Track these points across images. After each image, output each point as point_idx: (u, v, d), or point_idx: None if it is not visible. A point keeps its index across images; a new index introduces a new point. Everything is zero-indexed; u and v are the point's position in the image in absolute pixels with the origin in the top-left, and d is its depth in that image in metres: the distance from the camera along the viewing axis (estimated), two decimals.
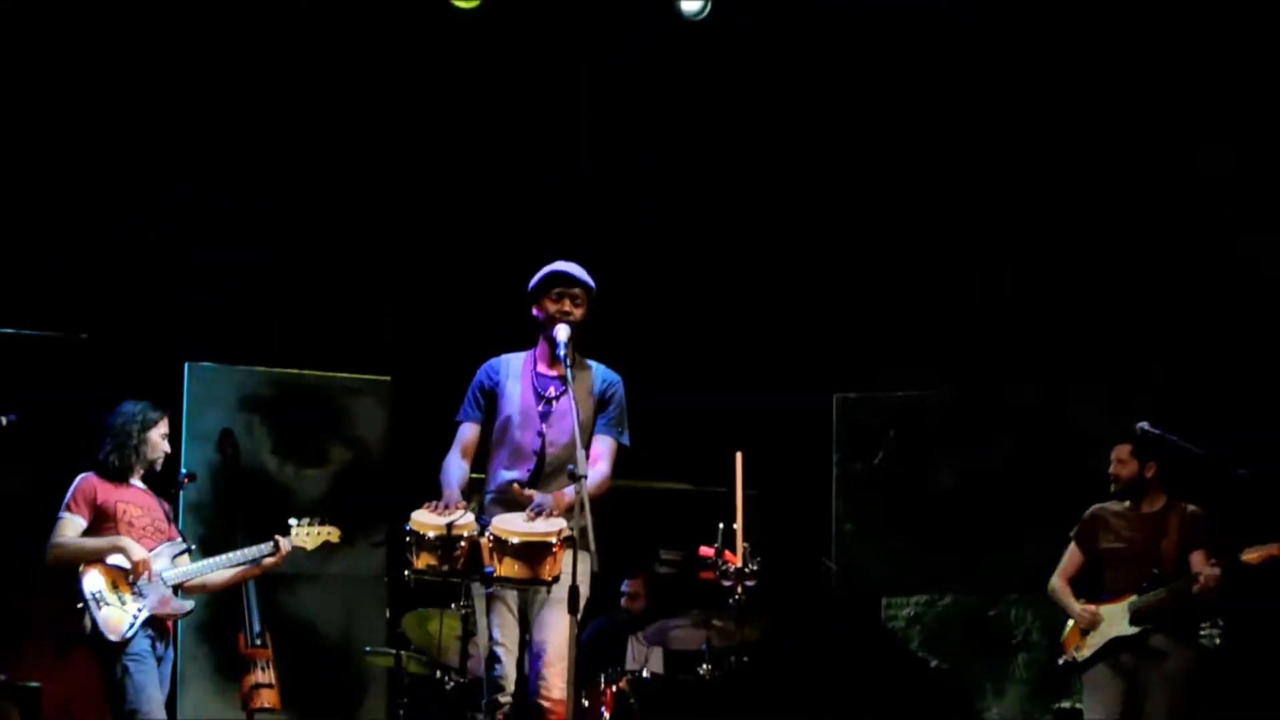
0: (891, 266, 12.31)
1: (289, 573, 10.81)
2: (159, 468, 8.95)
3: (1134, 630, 8.97)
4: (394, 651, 10.35)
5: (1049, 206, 12.16)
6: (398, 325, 11.92)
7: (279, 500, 11.23)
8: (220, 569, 8.90)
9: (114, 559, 8.47)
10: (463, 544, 7.48)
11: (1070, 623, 9.34)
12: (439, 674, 9.97)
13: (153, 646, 8.52)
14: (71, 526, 8.57)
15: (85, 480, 8.66)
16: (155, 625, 8.52)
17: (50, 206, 11.61)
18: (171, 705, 10.34)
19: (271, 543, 8.89)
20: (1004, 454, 11.83)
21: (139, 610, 8.45)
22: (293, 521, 8.95)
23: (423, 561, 7.53)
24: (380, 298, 11.98)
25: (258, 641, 10.05)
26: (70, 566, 8.52)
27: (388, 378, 11.76)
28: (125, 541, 8.51)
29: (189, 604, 8.79)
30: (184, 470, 10.02)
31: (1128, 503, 9.27)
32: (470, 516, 7.58)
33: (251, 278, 11.97)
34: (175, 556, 8.71)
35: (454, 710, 9.62)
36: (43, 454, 10.63)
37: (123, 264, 11.73)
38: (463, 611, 8.49)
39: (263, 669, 10.03)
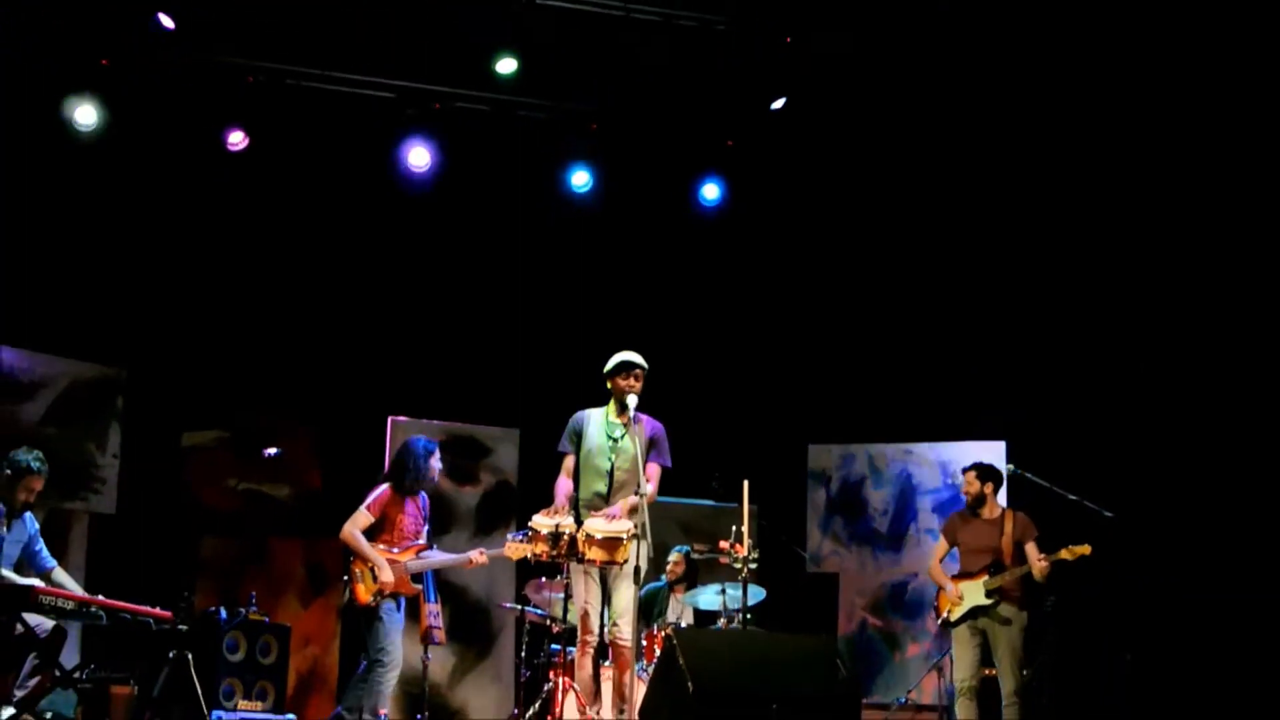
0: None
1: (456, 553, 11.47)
2: (433, 484, 9.29)
3: (988, 601, 9.19)
4: (520, 606, 10.54)
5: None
6: (527, 392, 11.72)
7: (449, 506, 11.50)
8: (445, 562, 9.35)
9: (375, 572, 8.86)
10: (565, 537, 8.15)
11: (941, 595, 9.50)
12: (548, 622, 10.12)
13: (396, 607, 8.95)
14: (364, 519, 8.90)
15: (384, 491, 8.99)
16: (394, 596, 8.93)
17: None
18: None
19: (478, 550, 9.32)
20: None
21: (383, 590, 8.86)
22: (509, 536, 8.92)
23: (539, 548, 8.21)
24: (516, 377, 11.83)
25: (432, 598, 9.75)
26: (348, 547, 8.91)
27: (518, 429, 11.86)
28: (384, 565, 8.85)
29: (419, 586, 9.06)
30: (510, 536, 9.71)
31: (976, 510, 9.47)
32: (571, 519, 8.23)
33: (429, 358, 11.93)
34: (418, 551, 9.11)
35: (558, 645, 9.47)
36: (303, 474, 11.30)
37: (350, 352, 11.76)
38: (565, 581, 8.67)
39: (434, 615, 9.81)
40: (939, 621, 9.57)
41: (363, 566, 8.94)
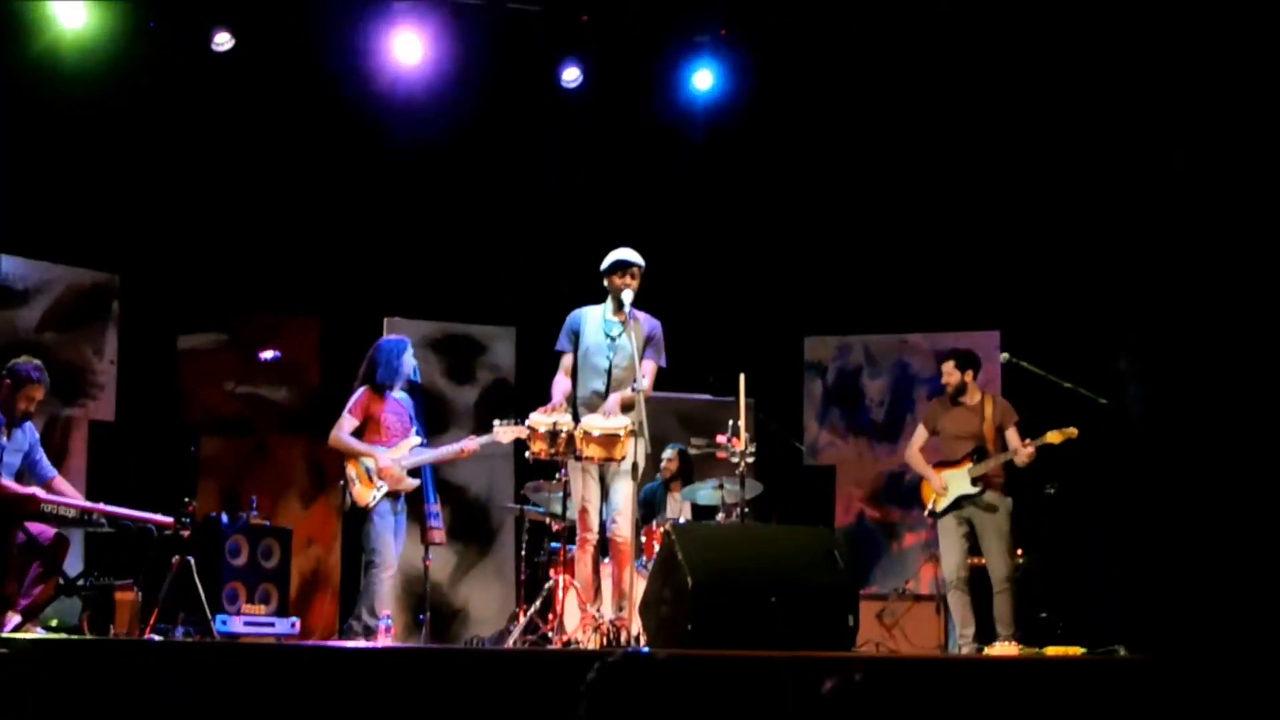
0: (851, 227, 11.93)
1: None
2: (407, 382, 9.21)
3: (975, 489, 9.15)
4: (519, 505, 10.66)
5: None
6: (522, 290, 11.79)
7: (447, 405, 11.63)
8: (438, 455, 9.27)
9: (365, 461, 8.87)
10: (563, 434, 8.25)
11: (923, 483, 9.50)
12: (547, 520, 10.18)
13: (392, 509, 8.94)
14: (349, 424, 8.93)
15: (361, 394, 9.02)
16: (390, 496, 8.92)
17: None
18: None
19: (469, 438, 9.25)
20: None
21: (381, 486, 8.87)
22: (496, 422, 9.00)
23: (537, 446, 8.34)
24: (513, 275, 11.89)
25: (432, 499, 9.80)
26: (340, 452, 8.96)
27: (515, 327, 11.92)
28: (377, 452, 8.86)
29: (415, 481, 9.04)
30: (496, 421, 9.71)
31: (957, 399, 9.41)
32: (568, 416, 8.34)
33: (424, 258, 11.92)
34: (411, 448, 9.05)
35: (557, 543, 9.56)
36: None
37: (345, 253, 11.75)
38: (563, 479, 8.79)
39: (435, 516, 9.88)
40: (926, 513, 9.56)
41: (356, 467, 8.94)
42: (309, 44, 11.14)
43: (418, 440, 9.17)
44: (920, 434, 9.67)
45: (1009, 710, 6.46)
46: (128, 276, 11.14)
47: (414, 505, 10.70)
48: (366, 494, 8.91)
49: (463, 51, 11.28)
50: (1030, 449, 9.06)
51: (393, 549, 8.98)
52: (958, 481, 9.28)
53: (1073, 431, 8.99)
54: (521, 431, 8.89)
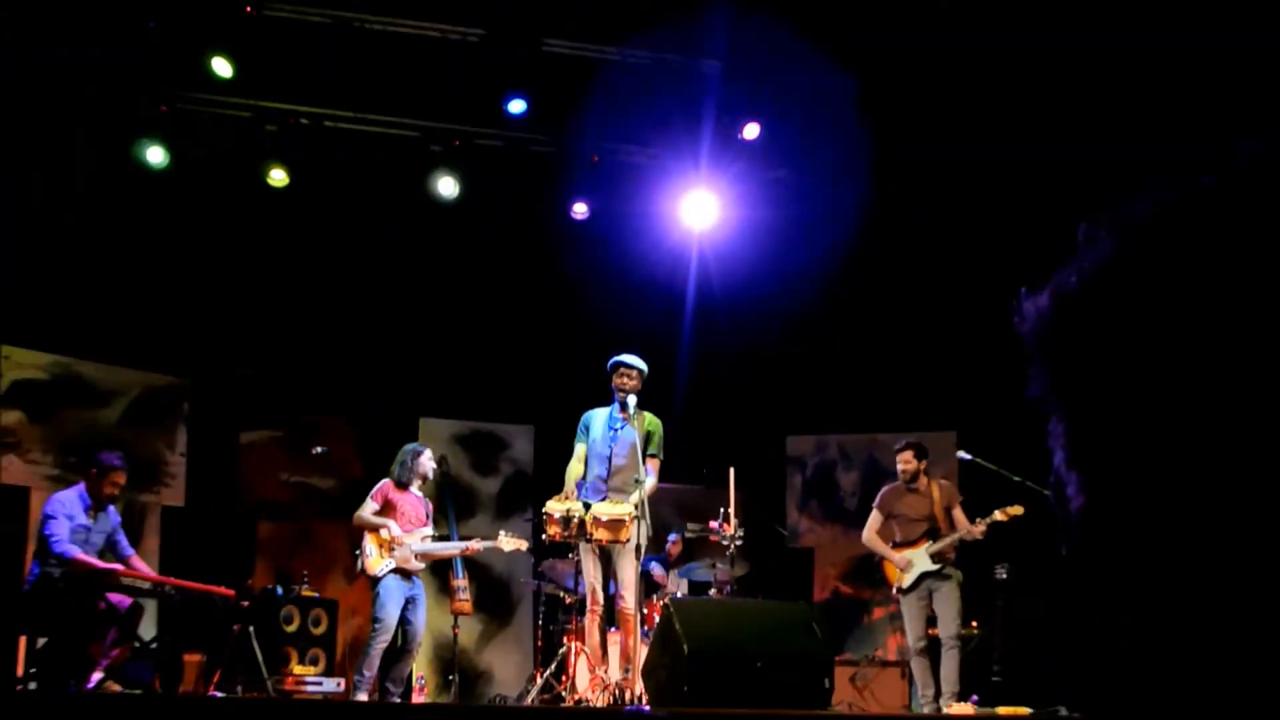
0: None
1: (479, 535, 11.20)
2: (428, 480, 9.35)
3: (935, 566, 9.16)
4: (537, 581, 10.82)
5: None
6: (539, 394, 11.85)
7: (472, 494, 11.75)
8: (445, 549, 9.39)
9: (383, 532, 8.95)
10: (575, 520, 8.27)
11: (886, 565, 9.44)
12: (561, 594, 10.24)
13: (401, 585, 8.92)
14: (369, 508, 9.01)
15: (384, 485, 9.10)
16: (401, 572, 8.93)
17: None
18: None
19: (476, 540, 9.40)
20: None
21: (389, 562, 8.90)
22: (501, 533, 9.26)
23: (552, 529, 8.35)
24: (529, 381, 11.95)
25: (460, 574, 10.16)
26: (360, 528, 9.01)
27: (532, 425, 11.97)
28: (390, 524, 8.93)
29: (420, 565, 9.06)
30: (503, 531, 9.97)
31: (911, 485, 9.34)
32: (579, 504, 8.35)
33: (454, 366, 12.06)
34: (424, 538, 9.12)
35: (570, 614, 9.68)
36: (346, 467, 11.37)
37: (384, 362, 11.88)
38: (575, 558, 8.85)
39: (462, 590, 10.22)
40: (894, 590, 9.48)
41: (373, 541, 8.96)
42: (356, 179, 11.31)
43: (430, 533, 9.24)
44: (875, 518, 9.58)
45: None
46: (196, 380, 11.29)
47: (443, 579, 10.97)
48: (377, 565, 8.92)
49: (488, 185, 11.43)
50: (981, 526, 9.03)
51: (394, 618, 8.89)
52: (920, 560, 9.27)
53: (1018, 510, 8.90)
54: (521, 544, 9.20)
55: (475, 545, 9.40)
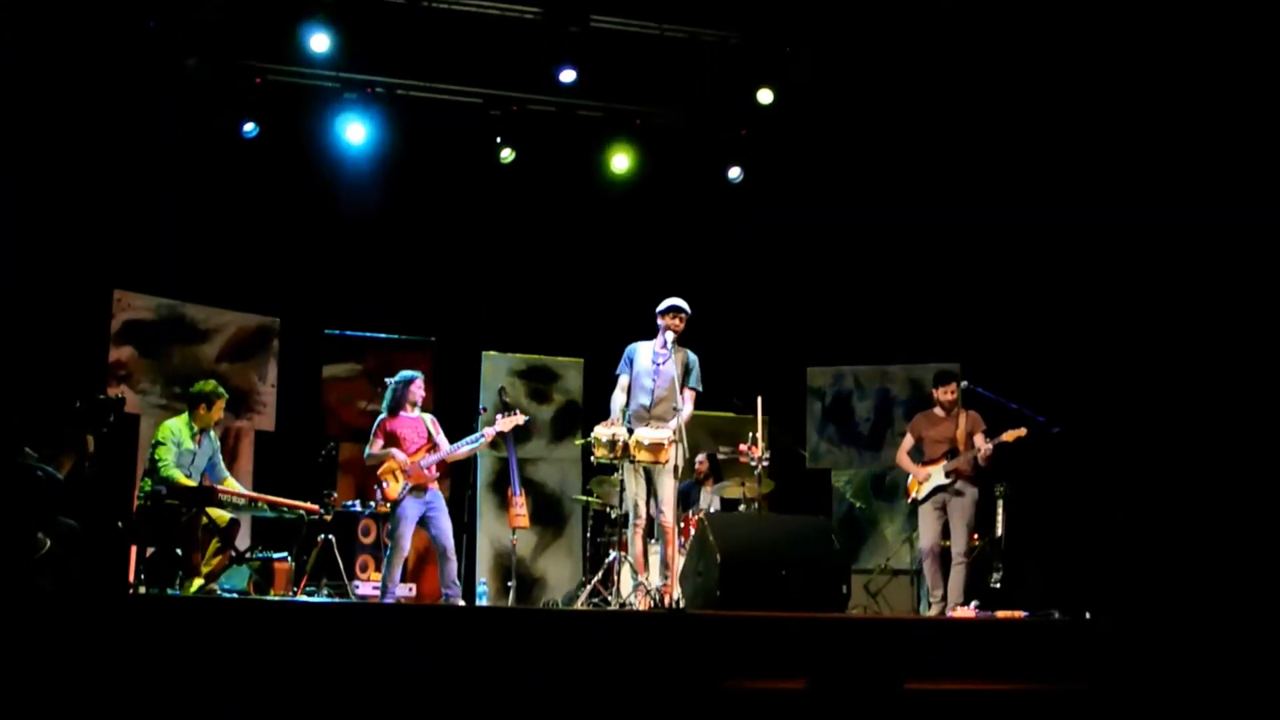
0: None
1: (533, 457, 11.32)
2: (418, 405, 8.92)
3: (948, 480, 9.06)
4: (585, 498, 10.77)
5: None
6: (589, 331, 11.53)
7: (529, 421, 10.95)
8: (453, 452, 8.88)
9: (390, 462, 8.65)
10: (620, 443, 8.22)
11: (910, 478, 9.35)
12: (608, 509, 9.96)
13: (414, 501, 8.65)
14: (375, 445, 8.73)
15: (380, 421, 8.83)
16: (417, 490, 8.66)
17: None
18: (472, 524, 11.04)
19: (479, 435, 8.97)
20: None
21: (405, 485, 8.64)
22: (497, 417, 8.99)
23: (600, 452, 8.33)
24: (584, 319, 11.75)
25: (517, 492, 10.26)
26: (374, 467, 8.75)
27: (582, 359, 11.66)
28: (394, 452, 8.65)
29: (436, 475, 8.78)
30: (481, 405, 10.30)
31: (948, 413, 9.23)
32: (624, 429, 8.28)
33: (513, 304, 11.91)
34: (428, 452, 8.76)
35: (615, 527, 9.19)
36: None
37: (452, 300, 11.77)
38: (620, 478, 8.57)
39: (519, 506, 10.20)
40: (909, 501, 9.43)
41: (384, 472, 8.73)
42: (423, 142, 11.19)
43: (429, 444, 8.89)
44: (908, 440, 9.49)
45: (966, 657, 6.47)
46: (285, 320, 11.17)
47: (502, 496, 10.95)
48: (396, 490, 8.68)
49: (542, 146, 11.31)
50: (989, 445, 8.93)
51: (406, 537, 8.69)
52: (935, 475, 9.16)
53: (1022, 431, 8.80)
54: (519, 419, 9.02)
55: (483, 438, 9.00)
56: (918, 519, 9.36)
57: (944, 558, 9.14)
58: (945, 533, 9.18)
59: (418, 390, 8.93)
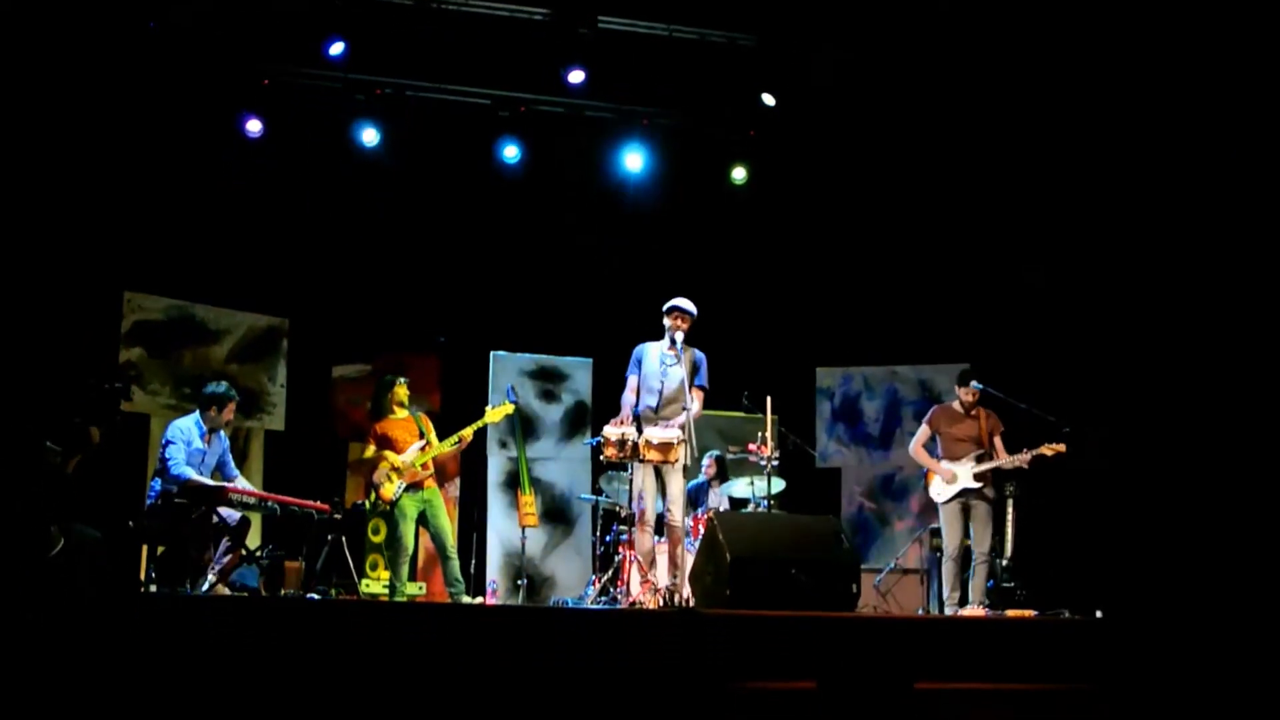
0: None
1: (542, 456, 11.29)
2: (406, 406, 9.11)
3: (977, 484, 9.02)
4: (595, 497, 10.75)
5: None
6: (597, 331, 11.49)
7: (538, 421, 11.48)
8: (440, 451, 9.03)
9: (383, 463, 8.90)
10: (629, 442, 8.20)
11: (930, 474, 9.28)
12: (617, 507, 10.13)
13: (411, 500, 8.87)
14: (370, 450, 9.03)
15: (370, 425, 9.02)
16: (412, 487, 8.88)
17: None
18: (482, 524, 11.03)
19: (467, 429, 9.07)
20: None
21: (400, 484, 8.85)
22: (486, 409, 9.14)
23: (609, 450, 8.27)
24: (592, 319, 11.68)
25: (528, 491, 10.36)
26: (370, 466, 9.04)
27: (591, 359, 11.70)
28: (386, 454, 8.89)
29: (430, 472, 8.95)
30: (489, 404, 10.04)
31: (970, 412, 9.21)
32: (633, 429, 8.27)
33: (522, 306, 11.84)
34: (420, 449, 8.97)
35: (624, 526, 9.50)
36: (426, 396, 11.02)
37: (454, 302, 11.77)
38: (629, 477, 8.69)
39: (529, 505, 10.36)
40: (931, 494, 9.34)
41: (379, 472, 8.89)
42: (431, 141, 11.11)
43: (422, 442, 9.04)
44: (924, 433, 9.41)
45: (976, 656, 6.45)
46: (294, 321, 11.20)
47: (511, 497, 10.94)
48: (391, 490, 8.86)
49: (550, 146, 11.17)
50: (1027, 456, 8.92)
51: (409, 537, 8.86)
52: (964, 476, 9.12)
53: (1062, 447, 8.79)
54: (508, 408, 9.11)
55: (466, 433, 9.10)
56: (940, 517, 9.30)
57: (964, 558, 9.16)
58: (966, 533, 9.17)
59: (401, 392, 9.12)
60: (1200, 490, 9.29)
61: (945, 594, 9.19)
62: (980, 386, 9.27)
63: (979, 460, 9.07)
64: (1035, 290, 10.15)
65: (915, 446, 9.47)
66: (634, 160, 11.13)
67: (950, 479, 9.14)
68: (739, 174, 11.33)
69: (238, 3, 10.01)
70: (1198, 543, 9.10)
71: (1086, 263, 10.39)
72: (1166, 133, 9.72)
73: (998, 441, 9.13)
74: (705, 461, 10.82)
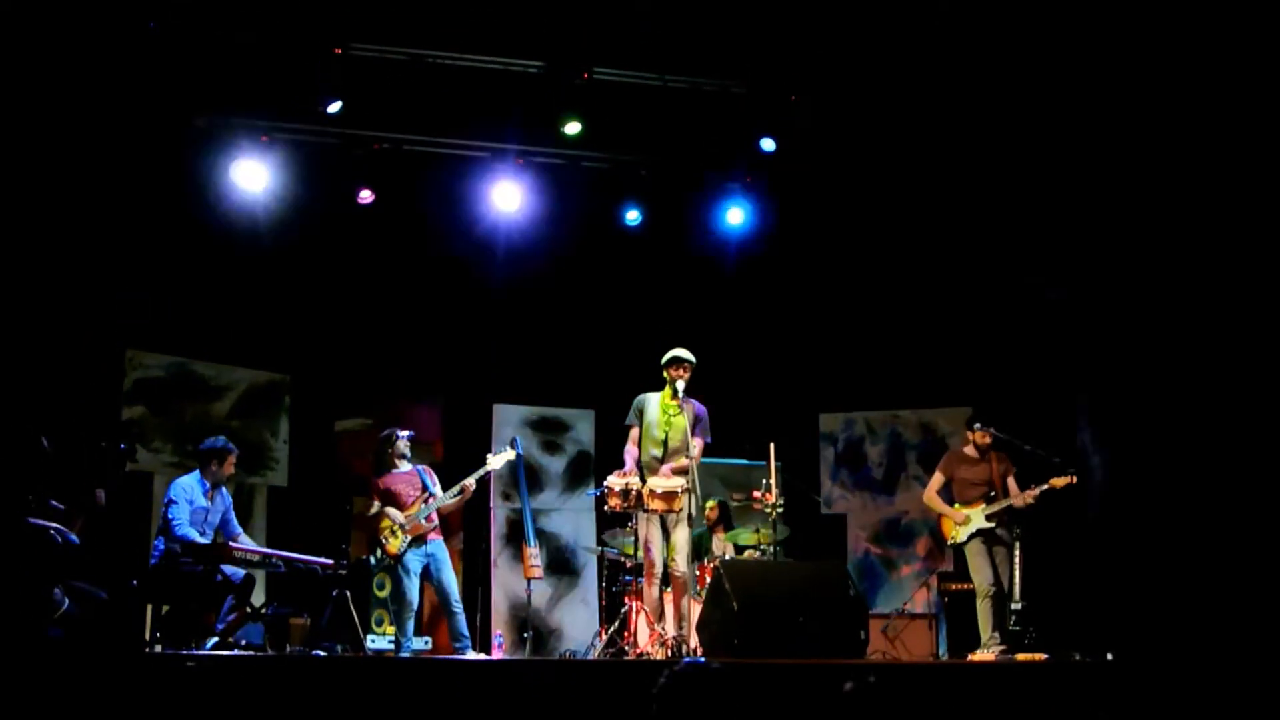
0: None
1: (546, 508, 11.31)
2: (408, 459, 9.12)
3: (990, 525, 9.06)
4: (600, 548, 10.64)
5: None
6: (599, 382, 11.44)
7: (540, 472, 11.52)
8: (443, 501, 8.97)
9: (387, 521, 8.85)
10: (633, 492, 8.24)
11: (945, 520, 9.30)
12: (622, 559, 10.03)
13: (415, 554, 8.82)
14: (373, 506, 9.00)
15: (373, 483, 9.06)
16: (417, 540, 8.82)
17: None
18: (487, 576, 11.05)
19: (469, 479, 9.00)
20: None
21: (405, 539, 8.81)
22: (488, 456, 9.08)
23: (613, 501, 8.32)
24: (594, 370, 11.65)
25: (531, 543, 10.21)
26: (374, 524, 8.96)
27: (593, 410, 11.74)
28: (389, 510, 8.85)
29: (434, 525, 8.93)
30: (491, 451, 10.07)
31: (983, 457, 9.23)
32: (637, 478, 8.30)
33: (524, 358, 11.75)
34: (425, 503, 8.93)
35: (630, 576, 9.54)
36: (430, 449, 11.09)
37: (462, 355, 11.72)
38: (633, 527, 8.70)
39: (534, 557, 10.20)
40: (950, 543, 9.37)
41: (383, 529, 8.87)
42: (431, 195, 11.13)
43: (427, 496, 9.03)
44: (938, 479, 9.41)
45: (987, 703, 6.42)
46: (296, 376, 11.21)
47: (516, 548, 10.92)
48: (397, 545, 8.83)
49: (548, 197, 11.15)
50: (1035, 491, 8.97)
51: (414, 592, 8.85)
52: (976, 518, 9.14)
53: (1072, 478, 8.82)
54: (509, 455, 9.13)
55: (469, 482, 9.05)
56: (967, 560, 9.28)
57: (998, 597, 9.08)
58: (995, 571, 9.15)
59: (401, 445, 9.10)
60: (1212, 528, 9.21)
61: (984, 638, 9.05)
62: (993, 430, 9.28)
63: (989, 501, 9.10)
64: (1056, 303, 10.02)
65: (929, 493, 9.48)
66: (632, 214, 11.02)
67: (963, 522, 9.18)
68: (739, 218, 11.18)
69: (235, 62, 10.06)
70: (1209, 582, 9.03)
71: (1099, 283, 10.29)
72: (1175, 171, 9.66)
73: (1010, 483, 9.17)
74: (708, 505, 10.77)
